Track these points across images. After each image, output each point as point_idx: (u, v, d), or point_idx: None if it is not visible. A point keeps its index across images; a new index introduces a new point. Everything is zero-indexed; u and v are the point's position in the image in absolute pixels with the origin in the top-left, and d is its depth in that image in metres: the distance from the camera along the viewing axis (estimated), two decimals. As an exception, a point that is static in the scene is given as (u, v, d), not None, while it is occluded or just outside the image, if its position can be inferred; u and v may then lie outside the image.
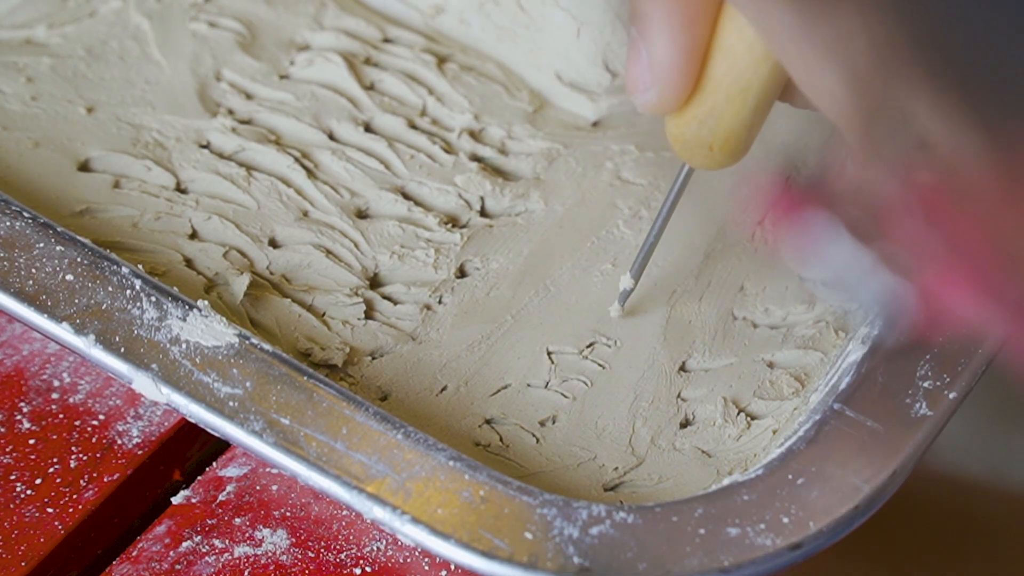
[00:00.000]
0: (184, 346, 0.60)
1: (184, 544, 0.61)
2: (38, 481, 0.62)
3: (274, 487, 0.63)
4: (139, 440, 0.63)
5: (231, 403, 0.59)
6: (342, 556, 0.61)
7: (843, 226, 0.52)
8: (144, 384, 0.60)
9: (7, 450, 0.62)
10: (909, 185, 0.49)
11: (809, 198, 0.52)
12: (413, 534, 0.56)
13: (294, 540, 0.61)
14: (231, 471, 0.63)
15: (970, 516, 0.89)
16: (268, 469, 0.63)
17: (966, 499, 0.91)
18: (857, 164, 0.50)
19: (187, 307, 0.61)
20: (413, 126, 0.72)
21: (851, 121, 0.50)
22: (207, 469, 0.63)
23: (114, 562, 0.61)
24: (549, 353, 0.65)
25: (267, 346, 0.61)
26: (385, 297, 0.67)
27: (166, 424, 0.64)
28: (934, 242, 0.49)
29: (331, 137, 0.72)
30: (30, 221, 0.64)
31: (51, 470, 0.62)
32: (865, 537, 0.59)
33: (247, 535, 0.61)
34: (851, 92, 0.49)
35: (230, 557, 0.61)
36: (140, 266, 0.64)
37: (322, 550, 0.61)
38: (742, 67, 0.56)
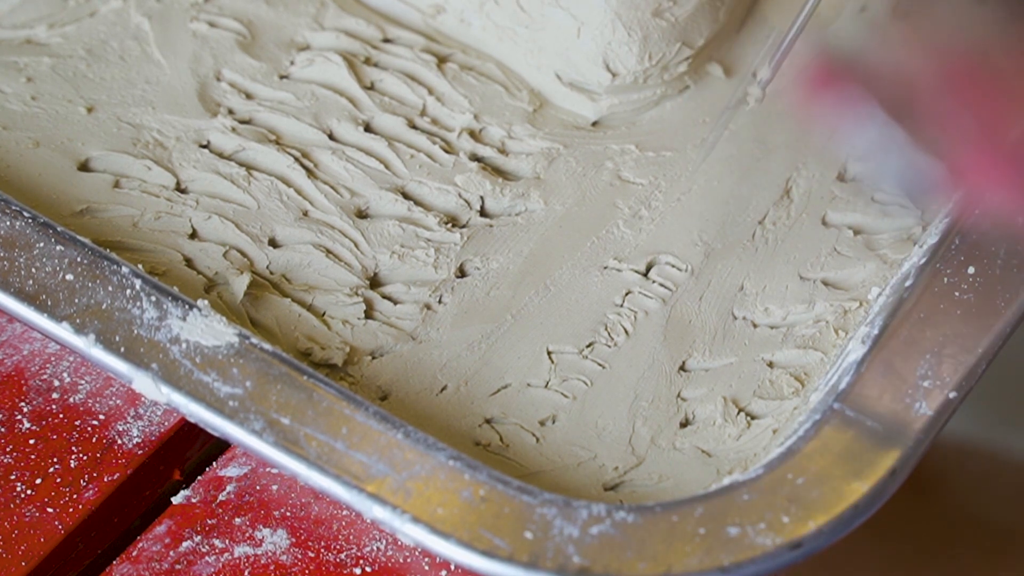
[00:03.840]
0: (184, 346, 0.60)
1: (184, 544, 0.61)
2: (38, 481, 0.62)
3: (274, 487, 0.63)
4: (139, 440, 0.63)
5: (231, 403, 0.59)
6: (342, 556, 0.61)
7: (877, 103, 0.52)
8: (144, 384, 0.60)
9: (7, 450, 0.62)
10: (946, 66, 0.49)
11: (846, 74, 0.53)
12: (413, 533, 0.56)
13: (294, 540, 0.61)
14: (231, 471, 0.63)
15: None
16: (268, 469, 0.63)
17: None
18: (895, 44, 0.50)
19: (187, 307, 0.61)
20: (413, 126, 0.72)
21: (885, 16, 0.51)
22: (207, 469, 0.63)
23: (114, 562, 0.61)
24: (549, 353, 0.65)
25: (267, 346, 0.61)
26: (385, 297, 0.67)
27: (166, 424, 0.64)
28: (967, 123, 0.50)
29: (331, 137, 0.71)
30: (30, 221, 0.64)
31: (51, 470, 0.62)
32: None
33: (247, 535, 0.61)
34: None
35: (230, 557, 0.61)
36: (140, 266, 0.64)
37: (322, 550, 0.61)
38: None
